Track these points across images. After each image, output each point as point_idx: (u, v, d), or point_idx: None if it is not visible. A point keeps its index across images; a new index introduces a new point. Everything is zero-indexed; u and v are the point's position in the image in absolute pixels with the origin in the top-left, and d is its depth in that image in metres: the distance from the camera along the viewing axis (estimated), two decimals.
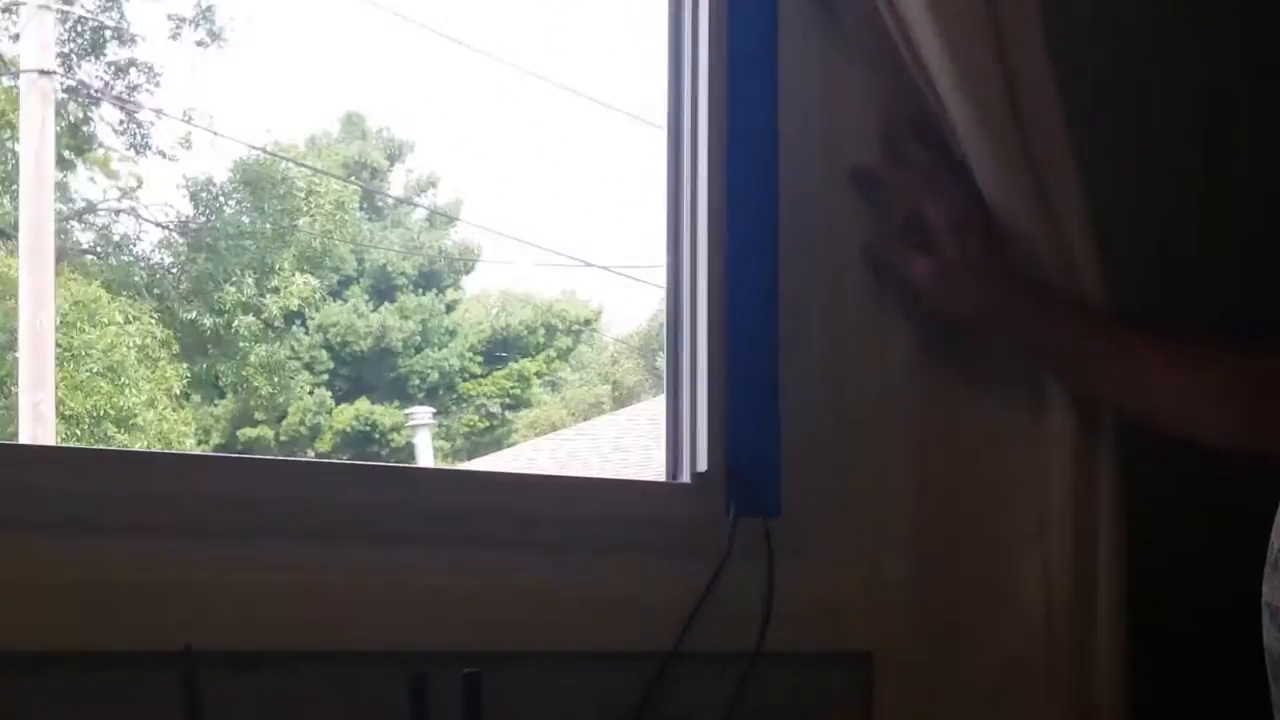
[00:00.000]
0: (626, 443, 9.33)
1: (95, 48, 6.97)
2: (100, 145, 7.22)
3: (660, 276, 1.17)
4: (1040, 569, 1.11)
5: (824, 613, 1.13)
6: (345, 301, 11.66)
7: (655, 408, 9.51)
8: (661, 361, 1.19)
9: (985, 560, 1.13)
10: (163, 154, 7.75)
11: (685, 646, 1.04)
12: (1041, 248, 1.06)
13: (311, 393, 11.22)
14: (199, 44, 7.62)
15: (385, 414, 11.41)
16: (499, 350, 12.58)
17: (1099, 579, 1.10)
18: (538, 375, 12.84)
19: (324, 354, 11.39)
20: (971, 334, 1.08)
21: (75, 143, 6.97)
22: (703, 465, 1.12)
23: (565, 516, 1.07)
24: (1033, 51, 1.07)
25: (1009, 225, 1.06)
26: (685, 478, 1.14)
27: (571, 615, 1.02)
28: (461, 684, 0.86)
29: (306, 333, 11.36)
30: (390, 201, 12.87)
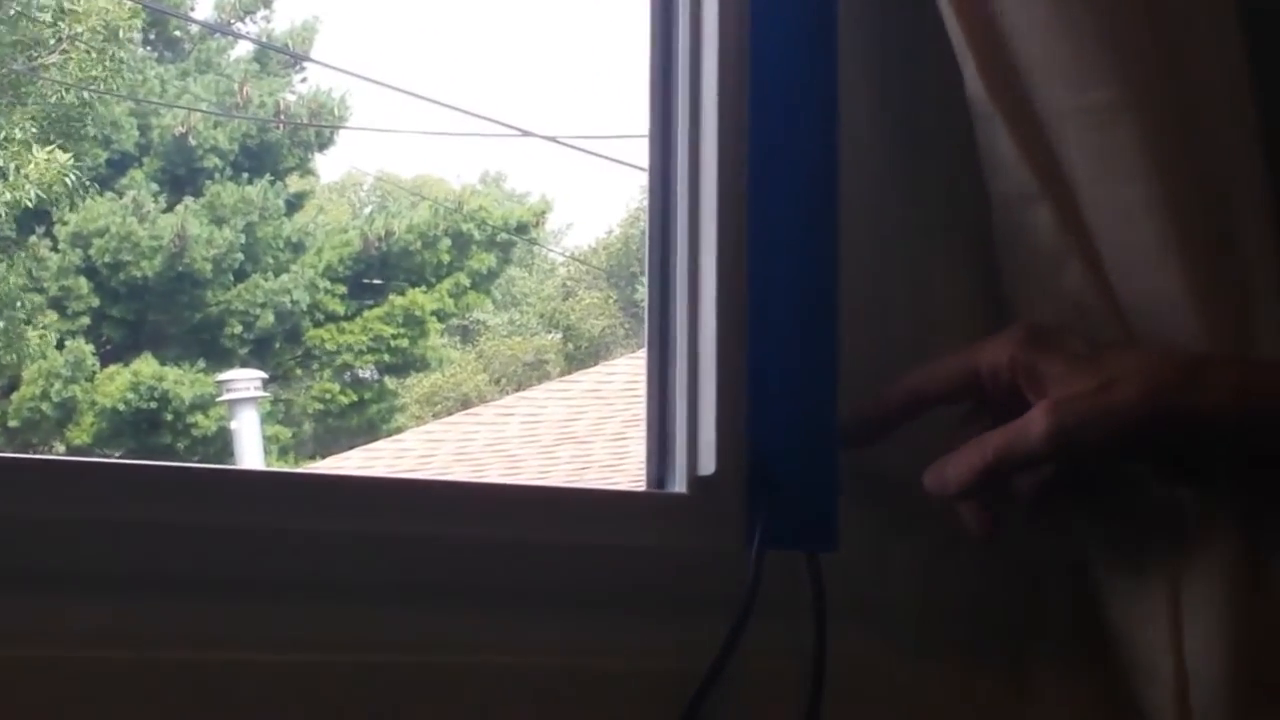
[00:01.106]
0: (584, 428, 9.36)
1: None
2: None
3: (642, 152, 1.17)
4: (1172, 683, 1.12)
5: (904, 701, 1.14)
6: (118, 195, 11.63)
7: (633, 369, 9.53)
8: (643, 293, 1.19)
9: None
10: None
11: None
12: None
13: (61, 346, 11.21)
14: None
15: (184, 381, 11.41)
16: (373, 274, 12.57)
17: None
18: (438, 316, 12.84)
19: (82, 282, 11.37)
20: (1149, 452, 1.09)
21: None
22: (709, 466, 1.13)
23: (481, 547, 1.07)
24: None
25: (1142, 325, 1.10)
26: (679, 485, 1.14)
27: (490, 711, 1.03)
28: None
29: (53, 246, 11.33)
30: (194, 30, 12.82)
